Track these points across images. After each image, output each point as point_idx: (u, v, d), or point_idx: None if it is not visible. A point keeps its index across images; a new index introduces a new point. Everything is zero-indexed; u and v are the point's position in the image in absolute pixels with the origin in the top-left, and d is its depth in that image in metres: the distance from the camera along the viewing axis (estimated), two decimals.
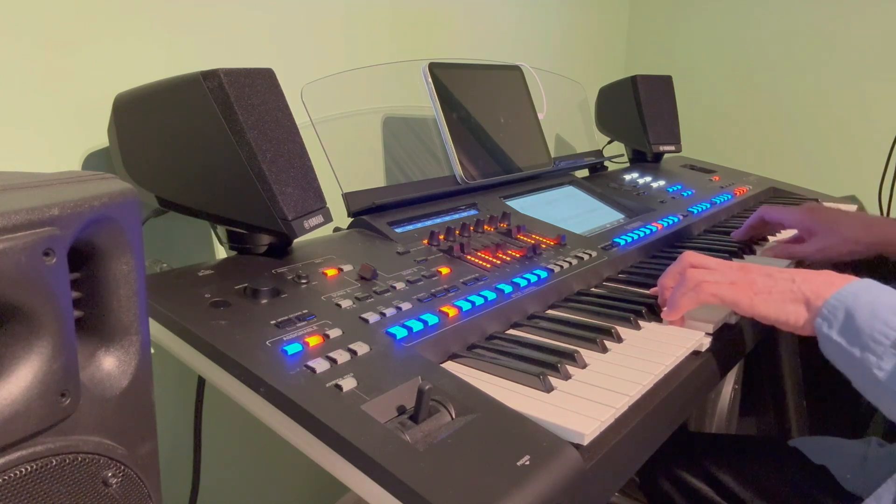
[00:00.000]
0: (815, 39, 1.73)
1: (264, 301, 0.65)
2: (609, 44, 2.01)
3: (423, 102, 1.05)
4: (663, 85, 1.56)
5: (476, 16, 1.45)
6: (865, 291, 0.63)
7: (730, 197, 1.38)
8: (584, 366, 0.64)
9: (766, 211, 1.07)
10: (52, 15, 0.77)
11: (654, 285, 0.83)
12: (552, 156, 1.22)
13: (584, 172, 1.45)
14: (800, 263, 1.01)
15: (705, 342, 0.72)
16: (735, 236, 1.09)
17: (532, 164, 1.17)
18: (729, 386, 1.36)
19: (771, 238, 1.14)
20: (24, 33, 0.75)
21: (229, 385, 0.56)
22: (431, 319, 0.66)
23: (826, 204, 1.38)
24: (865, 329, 0.60)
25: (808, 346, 1.46)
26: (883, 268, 1.08)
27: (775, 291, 0.69)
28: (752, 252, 1.04)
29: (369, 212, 0.90)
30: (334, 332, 0.61)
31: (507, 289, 0.76)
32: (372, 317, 0.65)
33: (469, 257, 0.84)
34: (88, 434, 0.41)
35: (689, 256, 0.77)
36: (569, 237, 0.96)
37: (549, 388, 0.59)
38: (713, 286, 0.71)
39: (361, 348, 0.59)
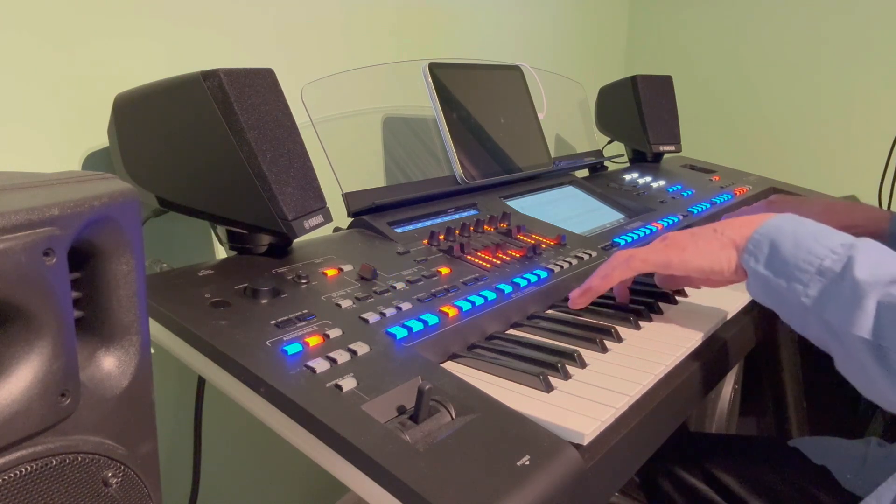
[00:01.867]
0: (815, 39, 1.73)
1: (264, 301, 0.65)
2: (609, 44, 2.01)
3: (423, 102, 1.05)
4: (663, 85, 1.56)
5: (476, 16, 1.45)
6: (787, 223, 0.64)
7: (730, 197, 1.38)
8: (584, 366, 0.64)
9: (729, 216, 1.08)
10: (53, 14, 0.77)
11: (654, 285, 0.83)
12: (552, 156, 1.22)
13: (584, 172, 1.45)
14: None
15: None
16: None
17: (532, 164, 1.17)
18: (729, 386, 1.36)
19: None
20: (24, 33, 0.75)
21: (229, 385, 0.56)
22: (431, 319, 0.66)
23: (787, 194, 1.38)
24: (790, 259, 0.61)
25: (808, 346, 1.46)
26: None
27: (702, 242, 0.70)
28: None
29: (369, 212, 0.90)
30: (334, 332, 0.61)
31: (507, 289, 0.76)
32: (372, 317, 0.65)
33: (469, 257, 0.84)
34: (88, 434, 0.41)
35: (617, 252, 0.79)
36: (569, 237, 0.96)
37: (549, 388, 0.59)
38: (641, 254, 0.73)
39: (361, 348, 0.59)
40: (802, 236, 0.62)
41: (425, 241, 0.87)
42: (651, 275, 0.91)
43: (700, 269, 0.70)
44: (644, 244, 1.00)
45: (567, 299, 0.83)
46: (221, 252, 0.88)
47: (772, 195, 1.10)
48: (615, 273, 0.74)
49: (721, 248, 0.69)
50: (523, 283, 0.79)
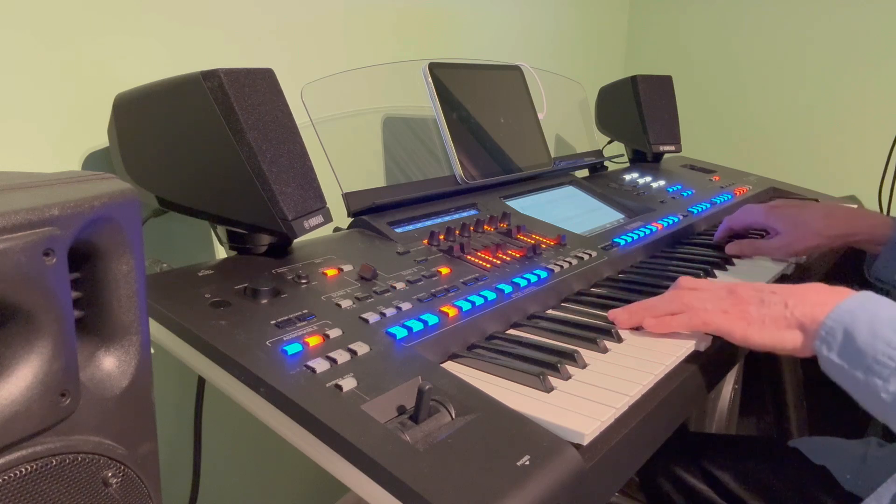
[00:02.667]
0: (815, 39, 1.73)
1: (264, 301, 0.65)
2: (609, 44, 2.01)
3: (423, 102, 1.05)
4: (663, 85, 1.56)
5: (476, 16, 1.45)
6: (862, 308, 0.61)
7: (730, 197, 1.38)
8: (584, 366, 0.64)
9: (732, 221, 1.08)
10: (52, 14, 0.77)
11: (655, 285, 0.83)
12: (552, 156, 1.22)
13: (584, 172, 1.45)
14: (787, 278, 1.00)
15: (701, 345, 0.71)
16: (729, 250, 1.07)
17: (532, 164, 1.17)
18: (729, 386, 1.36)
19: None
20: (24, 32, 0.75)
21: (229, 385, 0.56)
22: (431, 319, 0.66)
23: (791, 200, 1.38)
24: (868, 351, 0.58)
25: None
26: (852, 257, 1.08)
27: (768, 319, 0.66)
28: (733, 264, 1.02)
29: (369, 212, 0.90)
30: (334, 332, 0.61)
31: (507, 289, 0.76)
32: (372, 317, 0.65)
33: (469, 257, 0.84)
34: (88, 434, 0.41)
35: (685, 280, 0.76)
36: (569, 237, 0.96)
37: (549, 388, 0.59)
38: (704, 314, 0.69)
39: (361, 348, 0.59)
40: (879, 324, 0.58)
41: (425, 241, 0.87)
42: (651, 274, 0.91)
43: (761, 346, 0.67)
44: (644, 244, 1.01)
45: (567, 299, 0.83)
46: (221, 252, 0.88)
47: (775, 200, 1.10)
48: (673, 324, 0.71)
49: (787, 327, 0.65)
50: (523, 283, 0.79)
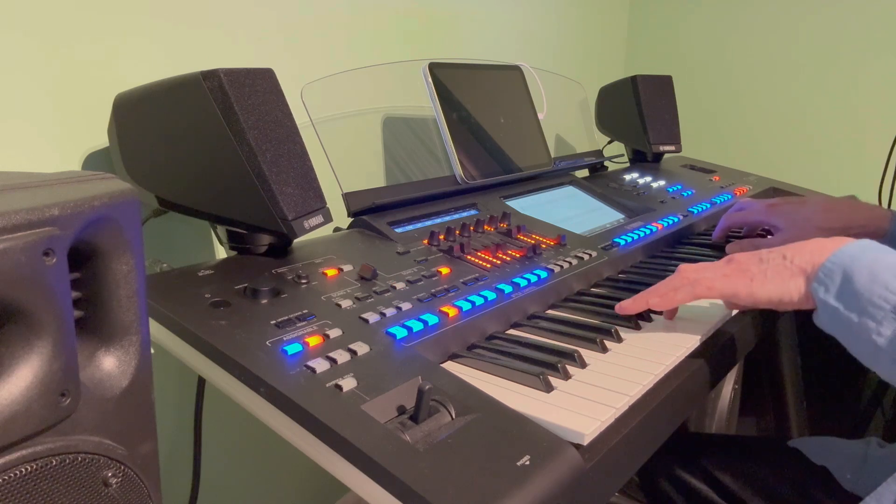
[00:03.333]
0: (815, 39, 1.73)
1: (264, 301, 0.65)
2: (609, 44, 2.01)
3: (423, 102, 1.05)
4: (663, 85, 1.56)
5: (476, 16, 1.45)
6: (864, 252, 0.60)
7: (730, 197, 1.38)
8: (584, 366, 0.64)
9: (729, 219, 1.08)
10: (52, 14, 0.77)
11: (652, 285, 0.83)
12: (552, 156, 1.22)
13: (584, 172, 1.45)
14: None
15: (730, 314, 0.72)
16: (729, 250, 1.08)
17: (532, 164, 1.17)
18: (729, 386, 1.36)
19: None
20: (24, 32, 0.75)
21: (229, 385, 0.56)
22: (431, 319, 0.66)
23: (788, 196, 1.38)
24: (864, 293, 0.57)
25: (807, 346, 1.46)
26: None
27: (770, 272, 0.66)
28: None
29: (369, 212, 0.90)
30: (334, 332, 0.61)
31: (507, 289, 0.76)
32: (372, 317, 0.65)
33: (469, 257, 0.84)
34: (88, 434, 0.41)
35: (684, 266, 0.76)
36: (569, 237, 0.96)
37: (549, 388, 0.59)
38: (707, 281, 0.70)
39: (361, 348, 0.59)
40: (880, 269, 0.57)
41: (425, 241, 0.87)
42: (651, 274, 0.91)
43: (768, 301, 0.67)
44: (644, 244, 1.01)
45: (567, 299, 0.83)
46: (221, 252, 0.88)
47: (774, 198, 1.10)
48: (677, 296, 0.71)
49: (791, 276, 0.65)
50: (523, 283, 0.79)
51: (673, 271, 0.90)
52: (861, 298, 0.57)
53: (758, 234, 1.10)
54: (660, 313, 0.78)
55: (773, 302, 0.67)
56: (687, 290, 0.71)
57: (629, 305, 0.74)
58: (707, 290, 0.70)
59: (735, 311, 0.79)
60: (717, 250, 1.06)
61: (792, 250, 0.66)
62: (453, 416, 0.53)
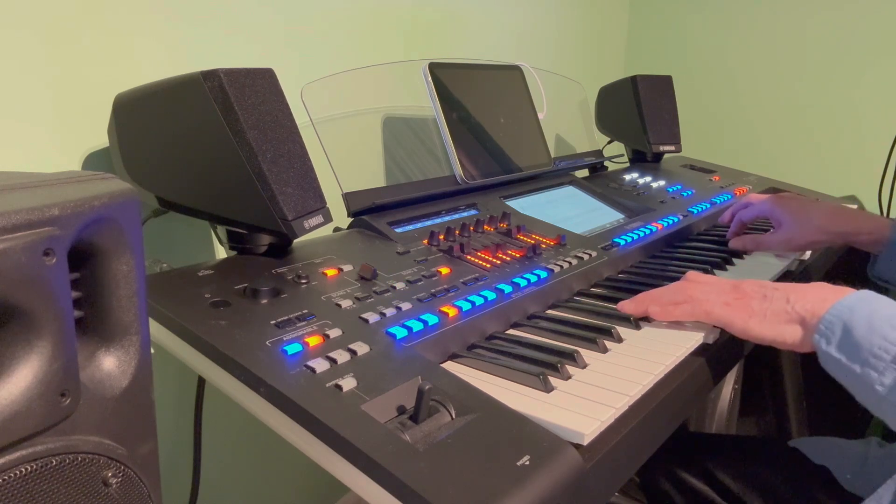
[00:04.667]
0: (815, 39, 1.73)
1: (264, 301, 0.65)
2: (609, 44, 2.01)
3: (423, 102, 1.05)
4: (663, 85, 1.56)
5: (476, 16, 1.45)
6: (861, 304, 0.62)
7: (730, 197, 1.38)
8: (584, 366, 0.64)
9: (741, 213, 1.08)
10: (53, 13, 0.77)
11: (655, 286, 0.83)
12: (552, 156, 1.22)
13: (584, 172, 1.45)
14: (790, 275, 1.00)
15: (709, 337, 0.72)
16: (732, 245, 1.08)
17: (532, 164, 1.17)
18: (729, 386, 1.36)
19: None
20: (24, 32, 0.75)
21: (229, 385, 0.56)
22: (431, 319, 0.66)
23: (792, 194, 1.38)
24: (864, 344, 0.59)
25: None
26: (853, 257, 1.09)
27: (769, 313, 0.68)
28: (741, 258, 1.03)
29: (369, 212, 0.90)
30: (334, 332, 0.61)
31: (507, 289, 0.76)
32: (372, 317, 0.65)
33: (469, 257, 0.84)
34: (88, 434, 0.41)
35: (692, 274, 0.78)
36: (569, 237, 0.96)
37: (549, 388, 0.59)
38: (707, 304, 0.71)
39: (361, 348, 0.59)
40: (877, 320, 0.59)
41: (425, 241, 0.87)
42: (651, 274, 0.91)
43: (761, 339, 0.68)
44: (644, 244, 1.01)
45: (567, 299, 0.83)
46: (221, 252, 0.88)
47: (782, 193, 1.10)
48: (677, 312, 0.73)
49: (788, 321, 0.66)
50: (523, 283, 0.79)
51: (673, 271, 0.91)
52: (862, 350, 0.59)
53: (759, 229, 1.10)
54: None
55: (765, 341, 0.68)
56: (687, 308, 0.72)
57: (631, 308, 0.75)
58: (705, 315, 0.71)
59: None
60: (718, 248, 1.06)
61: (795, 294, 0.67)
62: (453, 416, 0.53)
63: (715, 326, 0.72)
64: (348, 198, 0.89)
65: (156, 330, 0.61)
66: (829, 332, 0.62)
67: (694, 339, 0.71)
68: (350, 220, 0.90)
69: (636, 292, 0.80)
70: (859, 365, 0.59)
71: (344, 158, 0.90)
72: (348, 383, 0.54)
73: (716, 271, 0.94)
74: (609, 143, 1.62)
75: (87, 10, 0.80)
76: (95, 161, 0.83)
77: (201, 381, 0.85)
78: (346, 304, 0.67)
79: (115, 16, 0.83)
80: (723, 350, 0.74)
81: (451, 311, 0.69)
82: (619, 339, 0.70)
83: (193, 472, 0.88)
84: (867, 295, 0.63)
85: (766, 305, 0.68)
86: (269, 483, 1.14)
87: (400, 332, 0.63)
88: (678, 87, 1.58)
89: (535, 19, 1.65)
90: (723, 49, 1.88)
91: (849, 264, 1.15)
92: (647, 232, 1.06)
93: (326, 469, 0.50)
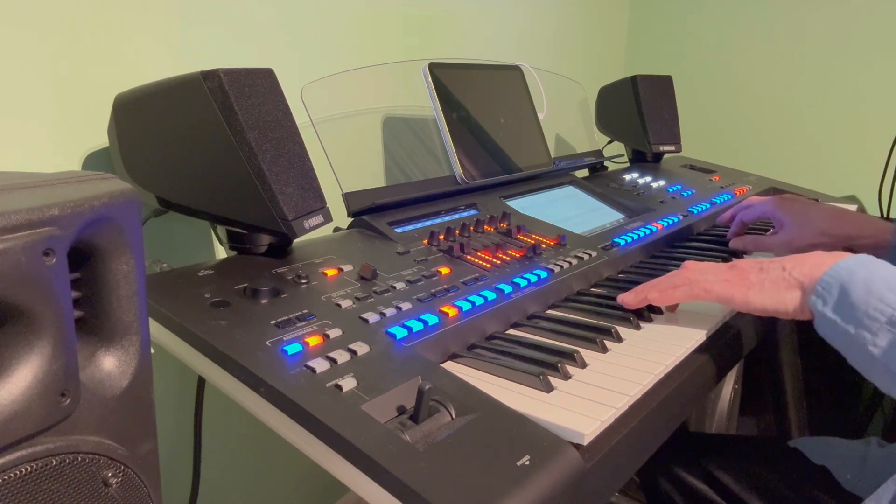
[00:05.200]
0: (815, 39, 1.73)
1: (264, 301, 0.65)
2: (609, 44, 2.01)
3: (423, 102, 1.05)
4: (663, 85, 1.56)
5: (476, 16, 1.45)
6: (860, 266, 0.62)
7: (730, 197, 1.38)
8: (584, 366, 0.64)
9: (742, 214, 1.08)
10: (53, 13, 0.77)
11: None
12: (552, 156, 1.22)
13: (584, 172, 1.45)
14: None
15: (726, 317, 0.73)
16: (732, 246, 1.08)
17: (532, 164, 1.17)
18: (729, 386, 1.36)
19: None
20: (25, 31, 0.75)
21: (229, 385, 0.56)
22: (431, 319, 0.66)
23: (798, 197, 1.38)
24: (860, 305, 0.59)
25: (807, 346, 1.46)
26: None
27: (767, 282, 0.68)
28: (741, 258, 1.03)
29: (369, 212, 0.90)
30: (334, 332, 0.61)
31: (507, 289, 0.76)
32: (372, 317, 0.65)
33: (469, 257, 0.84)
34: (88, 434, 0.41)
35: (690, 263, 0.78)
36: (569, 237, 0.96)
37: (549, 388, 0.59)
38: (706, 283, 0.72)
39: (361, 348, 0.59)
40: (875, 282, 0.59)
41: (425, 241, 0.87)
42: (651, 274, 0.91)
43: (762, 310, 0.69)
44: (644, 244, 1.01)
45: (567, 299, 0.83)
46: (221, 252, 0.88)
47: (785, 194, 1.10)
48: (676, 294, 0.73)
49: (787, 288, 0.67)
50: (523, 283, 0.79)
51: (673, 271, 0.91)
52: (857, 311, 0.59)
53: (759, 230, 1.10)
54: (660, 312, 0.78)
55: (767, 311, 0.69)
56: (685, 289, 0.73)
57: (630, 299, 0.76)
58: (704, 293, 0.72)
59: (734, 312, 0.79)
60: (717, 248, 1.06)
61: (792, 262, 0.68)
62: (453, 416, 0.53)
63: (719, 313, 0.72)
64: (348, 198, 0.89)
65: (156, 330, 0.61)
66: (826, 293, 0.62)
67: (694, 339, 0.71)
68: (350, 220, 0.90)
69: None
70: (853, 326, 0.59)
71: (344, 158, 0.90)
72: (348, 383, 0.54)
73: None
74: (609, 143, 1.62)
75: (87, 10, 0.80)
76: (95, 161, 0.83)
77: (201, 381, 0.85)
78: (346, 304, 0.67)
79: (115, 16, 0.83)
80: (723, 350, 0.74)
81: (451, 311, 0.69)
82: (619, 339, 0.70)
83: (193, 472, 0.88)
84: (866, 259, 0.63)
85: (763, 276, 0.69)
86: (269, 483, 1.14)
87: (400, 332, 0.63)
88: (678, 87, 1.58)
89: (535, 19, 1.65)
90: (723, 49, 1.88)
91: None
92: (647, 232, 1.06)
93: (326, 469, 0.50)
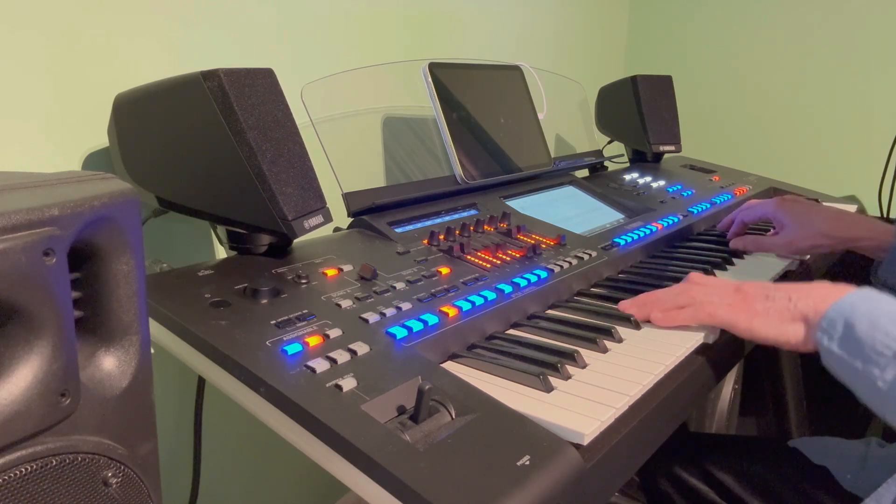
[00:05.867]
0: (815, 39, 1.73)
1: (264, 301, 0.65)
2: (609, 44, 2.01)
3: (423, 102, 1.05)
4: (663, 85, 1.56)
5: (476, 16, 1.45)
6: (863, 301, 0.62)
7: (730, 197, 1.38)
8: (584, 366, 0.64)
9: (744, 214, 1.09)
10: (53, 13, 0.77)
11: (655, 286, 0.83)
12: (552, 156, 1.22)
13: (584, 172, 1.45)
14: (791, 275, 1.00)
15: (710, 337, 0.72)
16: (732, 246, 1.08)
17: (532, 164, 1.17)
18: (729, 386, 1.36)
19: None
20: (25, 32, 0.75)
21: (229, 385, 0.56)
22: (431, 319, 0.66)
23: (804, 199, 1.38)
24: (866, 340, 0.59)
25: None
26: (852, 262, 1.09)
27: (773, 312, 0.68)
28: (741, 258, 1.03)
29: (369, 212, 0.90)
30: (334, 332, 0.61)
31: (507, 289, 0.76)
32: (372, 317, 0.65)
33: (469, 257, 0.84)
34: (88, 434, 0.41)
35: (695, 276, 0.78)
36: (569, 237, 0.96)
37: (549, 388, 0.59)
38: (711, 307, 0.71)
39: (361, 348, 0.59)
40: (879, 316, 0.59)
41: (425, 241, 0.87)
42: (651, 274, 0.91)
43: (764, 339, 0.69)
44: (644, 244, 1.01)
45: (567, 299, 0.83)
46: (221, 252, 0.88)
47: (787, 195, 1.10)
48: (680, 317, 0.73)
49: (791, 320, 0.67)
50: (523, 283, 0.79)
51: (673, 271, 0.91)
52: (863, 345, 0.59)
53: (760, 230, 1.10)
54: None
55: (769, 341, 0.69)
56: (690, 312, 0.72)
57: (634, 312, 0.75)
58: (709, 317, 0.71)
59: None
60: (718, 248, 1.06)
61: (797, 293, 0.68)
62: (453, 416, 0.53)
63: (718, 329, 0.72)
64: (348, 198, 0.89)
65: (156, 330, 0.61)
66: (831, 328, 0.62)
67: (694, 339, 0.71)
68: (350, 220, 0.90)
69: (636, 292, 0.81)
70: (861, 361, 0.59)
71: (344, 158, 0.90)
72: (348, 383, 0.54)
73: (716, 271, 0.94)
74: (609, 143, 1.62)
75: (87, 10, 0.80)
76: (95, 161, 0.83)
77: (201, 381, 0.85)
78: (346, 304, 0.67)
79: (115, 16, 0.83)
80: (723, 350, 0.74)
81: (451, 311, 0.69)
82: (619, 339, 0.70)
83: (193, 472, 0.88)
84: (869, 293, 0.63)
85: (768, 305, 0.69)
86: (269, 483, 1.14)
87: (400, 332, 0.63)
88: (678, 86, 1.58)
89: (535, 19, 1.65)
90: (723, 49, 1.88)
91: (849, 264, 1.15)
92: (647, 232, 1.06)
93: (326, 469, 0.50)
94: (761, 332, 0.68)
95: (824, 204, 1.28)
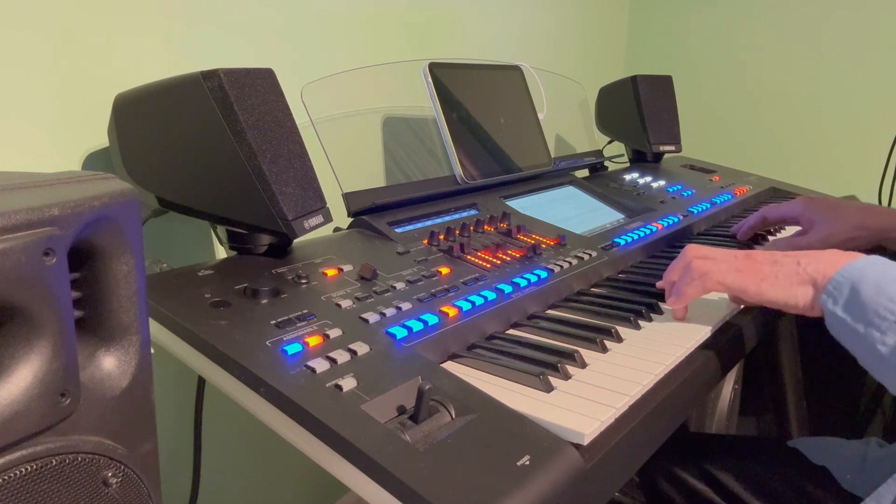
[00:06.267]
0: (815, 39, 1.73)
1: (264, 301, 0.65)
2: (609, 44, 2.01)
3: (423, 102, 1.05)
4: (663, 85, 1.56)
5: (476, 16, 1.45)
6: (871, 267, 0.62)
7: (730, 197, 1.38)
8: (584, 366, 0.64)
9: (767, 210, 1.08)
10: (53, 13, 0.77)
11: (654, 285, 0.83)
12: (552, 156, 1.22)
13: (584, 172, 1.45)
14: None
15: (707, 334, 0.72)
16: (739, 237, 1.09)
17: (532, 164, 1.17)
18: (729, 386, 1.36)
19: (771, 238, 1.14)
20: (25, 32, 0.75)
21: (229, 385, 0.56)
22: (431, 319, 0.66)
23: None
24: (870, 304, 0.60)
25: (808, 346, 1.46)
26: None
27: (781, 275, 0.69)
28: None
29: (369, 212, 0.90)
30: (334, 332, 0.61)
31: (507, 289, 0.76)
32: (372, 317, 0.65)
33: (469, 257, 0.84)
34: (88, 434, 0.41)
35: (693, 249, 0.77)
36: (569, 237, 0.96)
37: (549, 388, 0.59)
38: (719, 275, 0.72)
39: (361, 348, 0.59)
40: (885, 282, 0.60)
41: (425, 241, 0.87)
42: (651, 274, 0.91)
43: (774, 302, 0.69)
44: (644, 244, 1.01)
45: (567, 299, 0.83)
46: (221, 252, 0.88)
47: (808, 194, 1.09)
48: (689, 290, 0.73)
49: (800, 283, 0.67)
50: (523, 283, 0.79)
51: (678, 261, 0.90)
52: (867, 310, 0.60)
53: (795, 234, 1.09)
54: (660, 312, 0.78)
55: (778, 304, 0.69)
56: (697, 284, 0.73)
57: (677, 308, 0.76)
58: (717, 285, 0.72)
59: (737, 309, 0.79)
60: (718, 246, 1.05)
61: (807, 258, 0.68)
62: (453, 416, 0.53)
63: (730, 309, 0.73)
64: (348, 198, 0.89)
65: (156, 330, 0.61)
66: (837, 292, 0.63)
67: (694, 339, 0.71)
68: (350, 220, 0.90)
69: (636, 293, 0.81)
70: (863, 325, 0.60)
71: (344, 158, 0.90)
72: (348, 383, 0.54)
73: None
74: (609, 143, 1.62)
75: (87, 10, 0.80)
76: (95, 161, 0.83)
77: (201, 381, 0.85)
78: (346, 304, 0.67)
79: (115, 16, 0.83)
80: (723, 350, 0.74)
81: (451, 311, 0.69)
82: (619, 339, 0.70)
83: (193, 472, 0.88)
84: (878, 259, 0.64)
85: (777, 269, 0.70)
86: (269, 483, 1.14)
87: (400, 332, 0.63)
88: (678, 86, 1.58)
89: (535, 19, 1.65)
90: (723, 49, 1.88)
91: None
92: (647, 232, 1.06)
93: (326, 469, 0.50)
94: (770, 295, 0.69)
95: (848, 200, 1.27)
